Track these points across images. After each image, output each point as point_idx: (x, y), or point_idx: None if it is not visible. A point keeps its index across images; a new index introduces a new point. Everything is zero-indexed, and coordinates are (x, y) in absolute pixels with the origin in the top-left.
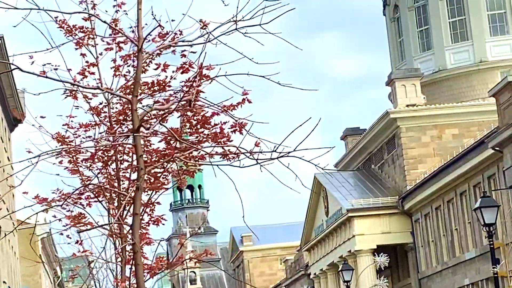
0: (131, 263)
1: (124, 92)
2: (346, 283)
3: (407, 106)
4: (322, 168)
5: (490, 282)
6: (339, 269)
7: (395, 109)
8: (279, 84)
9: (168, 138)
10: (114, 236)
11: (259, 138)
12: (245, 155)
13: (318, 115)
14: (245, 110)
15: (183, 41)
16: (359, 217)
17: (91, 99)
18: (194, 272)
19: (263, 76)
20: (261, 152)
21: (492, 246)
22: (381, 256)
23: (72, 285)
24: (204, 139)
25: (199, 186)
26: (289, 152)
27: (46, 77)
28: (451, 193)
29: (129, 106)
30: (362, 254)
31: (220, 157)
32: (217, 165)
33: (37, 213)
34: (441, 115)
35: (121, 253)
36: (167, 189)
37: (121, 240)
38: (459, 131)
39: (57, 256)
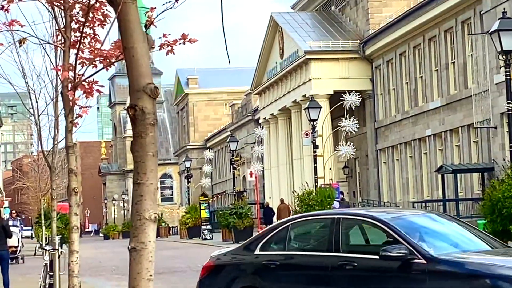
0: (77, 46)
1: None
2: (311, 122)
3: None
4: None
5: (454, 133)
6: (305, 106)
7: None
8: None
9: None
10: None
11: None
12: None
13: None
14: None
15: None
16: (317, 60)
17: None
18: None
19: None
20: None
21: (509, 77)
22: (352, 94)
23: (11, 121)
24: None
25: (145, 25)
26: None
27: None
28: (419, 38)
29: None
30: (317, 99)
31: None
32: None
33: None
34: None
35: (63, 32)
36: None
37: (65, 10)
38: None
39: None
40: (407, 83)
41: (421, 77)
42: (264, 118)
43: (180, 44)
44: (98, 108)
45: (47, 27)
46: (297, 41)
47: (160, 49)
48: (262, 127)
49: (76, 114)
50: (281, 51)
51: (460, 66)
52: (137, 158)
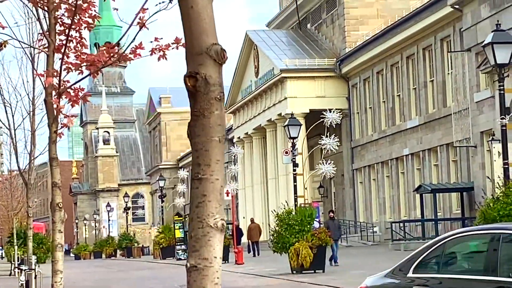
0: (62, 50)
1: None
2: (292, 140)
3: None
4: None
5: (433, 152)
6: (285, 124)
7: None
8: None
9: None
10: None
11: None
12: None
13: None
14: None
15: None
16: (293, 78)
17: None
18: (108, 132)
19: None
20: None
21: (502, 92)
22: (333, 112)
23: None
24: None
25: (118, 44)
26: None
27: None
28: (396, 56)
29: None
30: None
31: None
32: None
33: None
34: None
35: (47, 35)
36: None
37: (49, 11)
38: None
39: None
40: (384, 101)
41: (399, 95)
42: (239, 137)
43: (173, 48)
44: (68, 127)
45: (27, 30)
46: (273, 59)
47: (151, 54)
48: (238, 147)
49: (61, 124)
50: (256, 69)
51: (439, 84)
52: (198, 144)
